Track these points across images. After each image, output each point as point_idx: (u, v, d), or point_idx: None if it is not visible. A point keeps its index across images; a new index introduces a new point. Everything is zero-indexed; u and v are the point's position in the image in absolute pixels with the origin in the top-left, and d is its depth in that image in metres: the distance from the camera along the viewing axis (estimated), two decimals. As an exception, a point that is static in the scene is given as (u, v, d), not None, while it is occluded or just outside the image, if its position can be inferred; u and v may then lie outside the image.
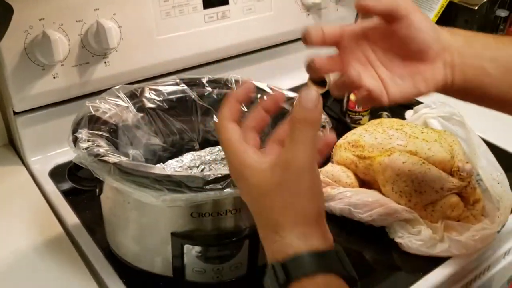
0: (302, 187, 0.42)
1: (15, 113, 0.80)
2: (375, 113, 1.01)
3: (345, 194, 0.71)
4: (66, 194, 0.77)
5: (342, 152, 0.78)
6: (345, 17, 1.15)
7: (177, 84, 0.69)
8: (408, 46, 0.51)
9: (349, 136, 0.79)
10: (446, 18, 1.22)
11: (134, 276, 0.63)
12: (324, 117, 0.63)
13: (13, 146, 0.88)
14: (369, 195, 0.71)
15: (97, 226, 0.68)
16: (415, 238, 0.66)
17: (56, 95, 0.80)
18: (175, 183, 0.51)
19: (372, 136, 0.75)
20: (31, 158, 0.83)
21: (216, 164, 0.71)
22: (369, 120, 0.99)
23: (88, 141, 0.56)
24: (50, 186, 0.79)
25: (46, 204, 0.76)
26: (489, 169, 0.75)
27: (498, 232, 0.68)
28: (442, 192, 0.68)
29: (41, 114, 0.82)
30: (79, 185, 0.61)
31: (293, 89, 1.08)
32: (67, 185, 0.77)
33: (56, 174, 0.81)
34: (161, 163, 0.69)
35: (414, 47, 0.51)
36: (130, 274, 0.63)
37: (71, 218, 0.73)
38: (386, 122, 0.79)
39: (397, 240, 0.68)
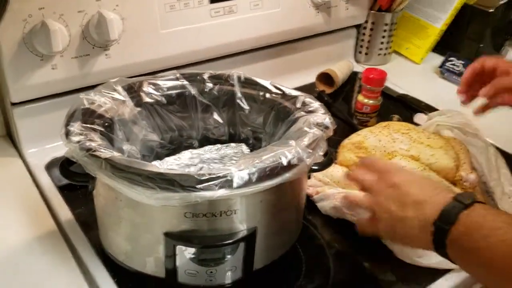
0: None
1: (12, 103, 0.78)
2: (385, 116, 0.99)
3: (341, 195, 0.69)
4: (61, 188, 0.75)
5: (345, 152, 0.75)
6: (355, 16, 1.13)
7: (177, 79, 0.67)
8: None
9: (353, 137, 0.77)
10: (460, 21, 1.19)
11: (126, 276, 0.61)
12: (327, 117, 0.61)
13: (11, 138, 0.86)
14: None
15: (91, 223, 0.66)
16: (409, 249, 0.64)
17: (55, 86, 0.78)
18: (167, 181, 0.49)
19: (376, 138, 0.72)
20: (28, 150, 0.82)
21: (215, 163, 0.68)
22: (377, 122, 0.96)
23: (81, 134, 0.54)
24: (45, 180, 0.77)
25: (41, 198, 0.74)
26: (502, 183, 0.72)
27: None
28: None
29: (39, 106, 0.80)
30: (71, 180, 0.59)
31: (300, 88, 1.06)
32: (63, 179, 0.75)
33: (53, 167, 0.79)
34: (159, 160, 0.67)
35: None
36: (122, 274, 0.61)
37: (65, 213, 0.71)
38: (394, 125, 0.76)
39: (389, 246, 0.66)
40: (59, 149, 0.80)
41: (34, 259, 0.64)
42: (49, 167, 0.79)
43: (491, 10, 1.15)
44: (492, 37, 1.20)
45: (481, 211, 0.49)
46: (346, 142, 0.77)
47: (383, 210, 0.56)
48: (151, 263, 0.58)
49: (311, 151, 0.55)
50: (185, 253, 0.55)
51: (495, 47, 1.22)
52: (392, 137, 0.72)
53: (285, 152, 0.53)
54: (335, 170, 0.75)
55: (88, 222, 0.68)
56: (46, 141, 0.81)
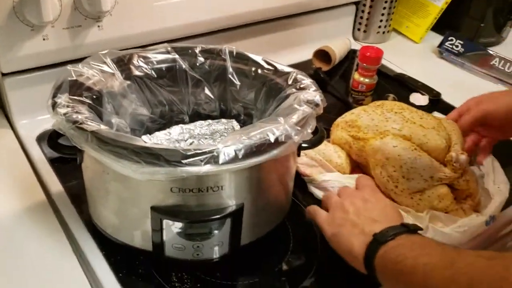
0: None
1: (3, 74, 0.77)
2: (381, 95, 0.98)
3: (328, 183, 0.69)
4: (52, 161, 0.75)
5: (338, 131, 0.75)
6: (356, -7, 1.11)
7: (168, 53, 0.66)
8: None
9: (347, 116, 0.76)
10: (461, 0, 1.17)
11: (114, 249, 0.61)
12: (318, 94, 0.60)
13: (3, 109, 0.85)
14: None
15: (81, 195, 0.66)
16: None
17: (46, 57, 0.78)
18: (153, 156, 0.49)
19: (369, 117, 0.72)
20: (19, 121, 0.81)
21: (206, 138, 0.68)
22: (372, 101, 0.96)
23: (68, 107, 0.54)
24: (36, 152, 0.77)
25: (31, 170, 0.74)
26: (495, 178, 0.72)
27: (487, 225, 0.65)
28: (431, 181, 0.65)
29: (31, 77, 0.79)
30: (59, 153, 0.58)
31: (296, 65, 1.05)
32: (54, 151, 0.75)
33: (44, 139, 0.78)
34: (149, 135, 0.67)
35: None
36: (110, 247, 0.61)
37: (55, 186, 0.71)
38: (387, 104, 0.76)
39: None
40: (50, 121, 0.80)
41: (23, 231, 0.64)
42: (40, 139, 0.79)
43: (492, -10, 1.13)
44: (493, 17, 1.18)
45: (391, 256, 0.52)
46: (339, 120, 0.77)
47: (342, 209, 0.61)
48: (138, 236, 0.58)
49: (299, 128, 0.54)
50: (172, 227, 0.55)
51: (496, 27, 1.20)
52: (385, 116, 0.71)
53: (273, 129, 0.52)
54: (327, 149, 0.75)
55: (78, 194, 0.68)
56: (37, 113, 0.80)
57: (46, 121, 0.79)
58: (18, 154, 0.77)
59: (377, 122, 0.71)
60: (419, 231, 0.55)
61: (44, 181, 0.72)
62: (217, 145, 0.50)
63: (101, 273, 0.59)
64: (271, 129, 0.52)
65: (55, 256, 0.61)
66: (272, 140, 0.52)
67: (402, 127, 0.68)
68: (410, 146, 0.66)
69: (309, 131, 0.56)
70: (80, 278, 0.59)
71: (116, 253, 0.61)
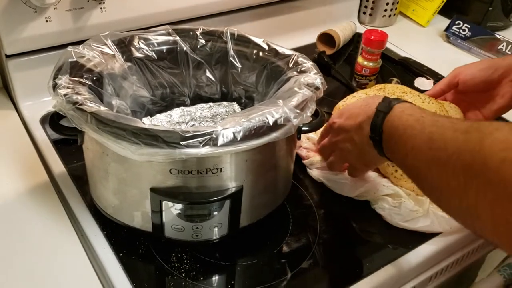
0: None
1: (7, 56, 0.78)
2: (385, 79, 0.97)
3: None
4: (55, 142, 0.76)
5: None
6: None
7: (169, 34, 0.66)
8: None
9: (348, 99, 0.76)
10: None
11: (115, 229, 0.62)
12: (318, 77, 0.60)
13: (7, 90, 0.86)
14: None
15: (84, 177, 0.67)
16: (394, 212, 0.64)
17: (49, 39, 0.78)
18: (152, 137, 0.49)
19: None
20: (23, 103, 0.82)
21: (207, 121, 0.68)
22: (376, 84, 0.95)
23: (68, 88, 0.54)
24: (40, 133, 0.78)
25: (35, 151, 0.75)
26: None
27: None
28: None
29: (34, 59, 0.79)
30: (60, 134, 0.59)
31: (300, 48, 1.04)
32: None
33: (47, 121, 0.79)
34: (149, 117, 0.67)
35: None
36: (111, 227, 0.62)
37: (58, 167, 0.72)
38: (389, 88, 0.75)
39: (379, 211, 0.66)
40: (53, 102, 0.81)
41: (26, 211, 0.65)
42: (43, 120, 0.80)
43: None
44: (502, 1, 1.16)
45: (397, 113, 0.53)
46: (341, 103, 0.77)
47: (336, 142, 0.64)
48: (138, 217, 0.59)
49: (299, 111, 0.54)
50: (171, 209, 0.56)
51: (504, 11, 1.18)
52: None
53: (272, 111, 0.52)
54: None
55: (81, 176, 0.69)
56: (41, 95, 0.81)
57: (50, 103, 0.78)
58: (22, 135, 0.78)
59: None
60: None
61: (47, 162, 0.73)
62: (216, 127, 0.50)
63: (102, 252, 0.60)
64: (270, 112, 0.52)
65: (58, 236, 0.62)
66: (271, 122, 0.52)
67: None
68: None
69: (309, 114, 0.56)
70: (82, 258, 0.60)
71: (117, 233, 0.62)
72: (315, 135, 0.74)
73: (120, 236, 0.62)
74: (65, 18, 0.76)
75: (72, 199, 0.67)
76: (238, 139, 0.50)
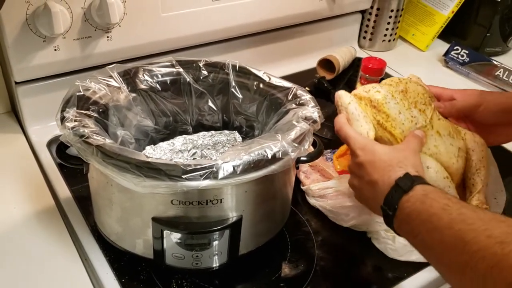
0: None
1: (16, 82, 0.80)
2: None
3: (325, 192, 0.70)
4: (61, 166, 0.78)
5: (362, 106, 0.67)
6: (361, 1, 1.12)
7: (172, 66, 0.68)
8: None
9: (371, 91, 0.68)
10: (469, 7, 1.17)
11: (118, 254, 0.64)
12: (316, 111, 0.62)
13: (15, 114, 0.89)
14: (347, 200, 0.69)
15: (88, 201, 0.69)
16: (390, 247, 0.66)
17: (57, 67, 0.80)
18: (154, 170, 0.51)
19: (397, 108, 0.66)
20: (31, 127, 0.84)
21: (208, 149, 0.70)
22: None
23: (75, 121, 0.56)
24: (46, 157, 0.80)
25: (41, 174, 0.77)
26: (492, 188, 0.72)
27: None
28: None
29: (42, 85, 0.82)
30: (67, 163, 0.61)
31: (301, 74, 1.07)
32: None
33: (54, 145, 0.81)
34: (152, 145, 0.69)
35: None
36: (114, 253, 0.64)
37: (63, 190, 0.74)
38: (411, 94, 0.68)
39: (374, 243, 0.68)
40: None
41: (32, 234, 0.67)
42: (50, 144, 0.82)
43: (499, 0, 1.14)
44: (500, 26, 1.19)
45: (419, 197, 0.51)
46: (362, 93, 0.68)
47: (352, 186, 0.63)
48: (140, 244, 0.60)
49: (296, 145, 0.56)
50: (172, 237, 0.57)
51: (502, 36, 1.20)
52: (411, 113, 0.66)
53: (271, 145, 0.54)
54: (358, 111, 0.67)
55: (85, 200, 0.71)
56: (48, 119, 0.83)
57: (56, 128, 0.82)
58: (29, 159, 0.80)
59: (403, 120, 0.65)
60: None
61: (53, 186, 0.75)
62: (216, 161, 0.52)
63: (105, 278, 0.62)
64: (269, 146, 0.54)
65: (62, 260, 0.64)
66: (270, 156, 0.54)
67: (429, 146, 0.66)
68: (442, 172, 0.65)
69: (306, 147, 0.58)
70: (85, 282, 0.62)
71: (119, 259, 0.64)
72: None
73: (122, 261, 0.64)
74: (73, 47, 0.79)
75: (77, 224, 0.69)
76: (238, 172, 0.52)
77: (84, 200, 0.71)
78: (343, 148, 0.78)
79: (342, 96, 0.69)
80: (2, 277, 0.61)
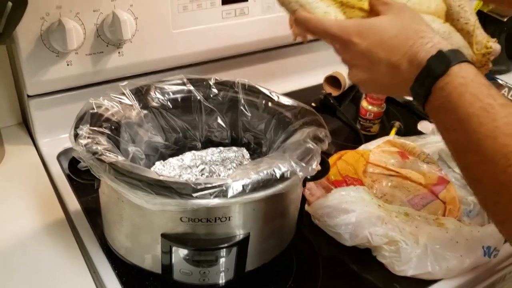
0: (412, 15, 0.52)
1: (28, 95, 0.82)
2: (389, 121, 1.00)
3: (322, 211, 0.71)
4: (71, 178, 0.79)
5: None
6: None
7: (183, 84, 0.70)
8: None
9: None
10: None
11: (126, 268, 0.65)
12: (323, 130, 0.63)
13: (26, 126, 0.90)
14: (344, 217, 0.69)
15: (98, 214, 0.70)
16: (395, 258, 0.66)
17: (69, 81, 0.82)
18: (166, 189, 0.52)
19: None
20: (42, 140, 0.86)
21: (216, 165, 0.72)
22: (380, 129, 0.98)
23: (88, 137, 0.57)
24: (56, 169, 0.81)
25: (51, 186, 0.78)
26: None
27: (485, 255, 0.67)
28: None
29: (54, 99, 0.84)
30: (79, 178, 0.62)
31: (307, 90, 1.08)
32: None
33: (64, 157, 0.83)
34: (162, 160, 0.70)
35: None
36: (123, 266, 0.65)
37: (73, 203, 0.75)
38: None
39: (380, 260, 0.68)
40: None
41: (41, 246, 0.68)
42: (60, 156, 0.83)
43: (505, 19, 1.15)
44: (506, 44, 1.20)
45: (457, 85, 0.44)
46: None
47: (359, 81, 0.54)
48: (149, 259, 0.61)
49: (304, 165, 0.57)
50: (180, 253, 0.58)
51: (508, 55, 1.22)
52: None
53: (279, 165, 0.56)
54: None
55: (94, 212, 0.72)
56: (59, 132, 0.85)
57: (67, 140, 0.82)
58: (39, 170, 0.82)
59: None
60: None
61: (62, 197, 0.76)
62: (226, 180, 0.53)
63: (113, 292, 0.63)
64: (277, 165, 0.55)
65: (71, 273, 0.65)
66: (278, 176, 0.55)
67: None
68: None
69: (314, 167, 0.59)
70: (93, 296, 0.63)
71: (128, 273, 0.65)
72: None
73: (130, 275, 0.64)
74: (85, 62, 0.81)
75: (86, 237, 0.70)
76: (247, 191, 0.54)
77: (93, 213, 0.72)
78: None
79: None
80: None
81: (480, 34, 0.61)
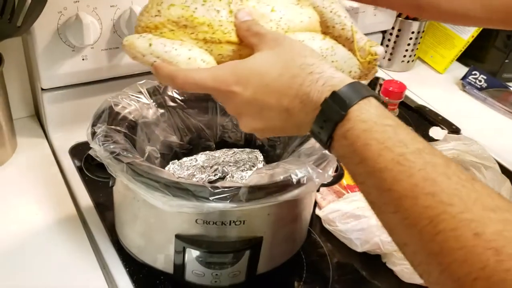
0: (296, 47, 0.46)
1: (42, 89, 0.82)
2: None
3: (333, 216, 0.71)
4: (82, 172, 0.79)
5: (168, 35, 0.50)
6: (382, 22, 1.13)
7: (200, 84, 0.69)
8: None
9: (161, 9, 0.50)
10: (488, 34, 1.18)
11: (138, 266, 0.65)
12: None
13: (39, 118, 0.90)
14: (356, 223, 0.69)
15: (109, 210, 0.70)
16: (405, 266, 0.66)
17: (84, 76, 0.82)
18: (183, 191, 0.52)
19: (204, 9, 0.50)
20: (54, 134, 0.86)
21: (230, 166, 0.72)
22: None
23: (106, 136, 0.57)
24: (68, 163, 0.81)
25: (63, 180, 0.78)
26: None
27: None
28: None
29: (67, 92, 0.83)
30: (93, 176, 0.62)
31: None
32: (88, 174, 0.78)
33: (76, 152, 0.83)
34: (177, 160, 0.70)
35: None
36: (134, 264, 0.65)
37: (85, 198, 0.75)
38: None
39: (390, 267, 0.68)
40: (83, 134, 0.83)
41: (52, 240, 0.68)
42: (72, 151, 0.83)
43: (519, 27, 1.14)
44: (519, 52, 1.20)
45: (360, 133, 0.38)
46: (147, 20, 0.51)
47: (253, 129, 0.48)
48: (161, 259, 0.62)
49: (321, 171, 0.57)
50: (194, 255, 0.58)
51: (520, 62, 1.21)
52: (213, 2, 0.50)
53: (296, 171, 0.55)
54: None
55: (106, 208, 0.72)
56: (71, 126, 0.85)
57: (79, 135, 0.84)
58: (51, 164, 0.81)
59: (219, 15, 0.50)
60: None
61: (74, 192, 0.76)
62: (242, 184, 0.53)
63: (124, 289, 0.63)
64: (294, 171, 0.55)
65: (82, 269, 0.65)
66: (295, 181, 0.55)
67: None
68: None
69: (330, 173, 0.59)
70: (104, 293, 0.63)
71: (139, 271, 0.65)
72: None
73: (142, 274, 0.65)
74: (101, 57, 0.80)
75: (97, 233, 0.70)
76: (263, 196, 0.54)
77: (104, 208, 0.72)
78: None
79: (133, 43, 0.49)
80: (21, 283, 0.62)
81: (361, 39, 0.56)
